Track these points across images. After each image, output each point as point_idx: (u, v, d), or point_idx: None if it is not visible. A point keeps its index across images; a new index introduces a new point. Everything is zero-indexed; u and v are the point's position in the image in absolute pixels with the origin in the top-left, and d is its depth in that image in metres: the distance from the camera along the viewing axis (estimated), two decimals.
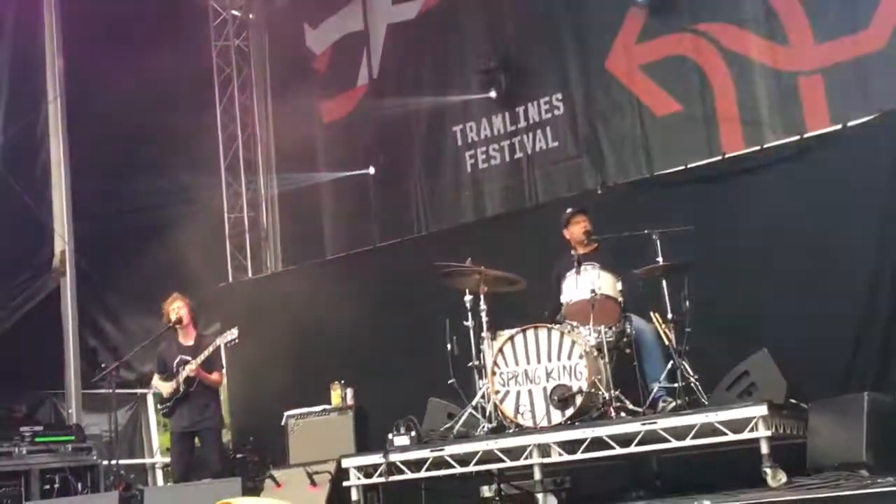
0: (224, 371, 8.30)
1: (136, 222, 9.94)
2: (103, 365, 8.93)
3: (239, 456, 9.05)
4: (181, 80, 9.82)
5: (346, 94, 10.83)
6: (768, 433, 5.54)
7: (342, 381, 8.51)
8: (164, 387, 7.93)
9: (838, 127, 7.57)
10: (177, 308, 8.02)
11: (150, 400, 11.10)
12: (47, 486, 8.11)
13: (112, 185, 9.99)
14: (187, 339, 8.06)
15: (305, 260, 10.59)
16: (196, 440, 7.98)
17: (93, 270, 9.93)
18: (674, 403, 6.34)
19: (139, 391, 10.81)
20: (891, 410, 5.28)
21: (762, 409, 5.59)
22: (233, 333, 7.89)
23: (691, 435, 5.80)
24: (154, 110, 9.75)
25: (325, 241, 10.75)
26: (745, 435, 5.61)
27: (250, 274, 11.01)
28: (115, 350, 10.01)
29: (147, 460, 10.84)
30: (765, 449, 5.53)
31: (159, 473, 10.82)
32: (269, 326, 9.20)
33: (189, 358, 7.82)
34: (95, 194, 9.92)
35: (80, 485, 8.30)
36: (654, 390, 6.57)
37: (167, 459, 10.66)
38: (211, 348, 7.81)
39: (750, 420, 5.60)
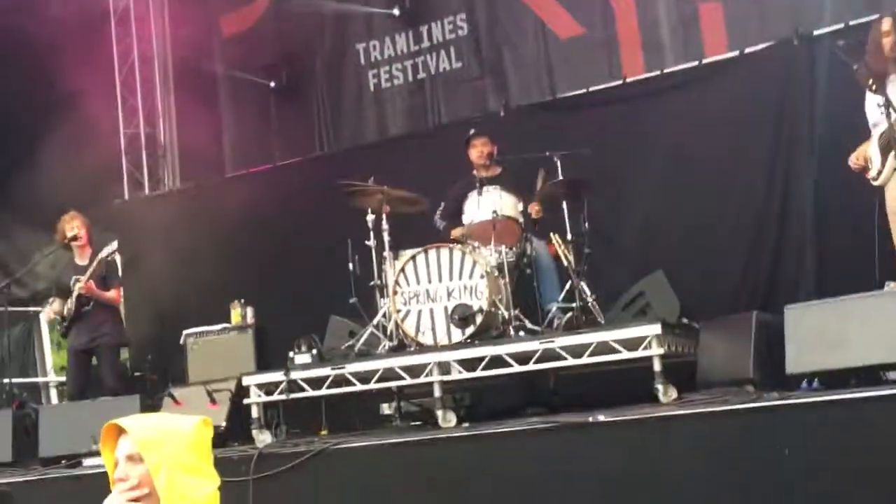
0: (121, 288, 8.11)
1: (27, 136, 9.61)
2: None
3: (137, 374, 8.95)
4: None
5: (247, 7, 10.55)
6: (661, 351, 5.71)
7: (242, 300, 8.46)
8: (57, 306, 7.80)
9: (735, 54, 7.72)
10: (75, 226, 7.82)
11: (43, 318, 10.89)
12: None
13: (3, 96, 9.63)
14: (83, 258, 7.88)
15: (204, 177, 10.40)
16: (93, 359, 7.87)
17: None
18: (566, 317, 6.50)
19: (32, 309, 10.58)
20: (776, 329, 5.48)
21: (656, 328, 5.75)
22: (112, 246, 7.73)
23: (587, 353, 5.95)
24: (48, 20, 9.36)
25: (225, 158, 10.56)
26: (639, 353, 5.78)
27: (147, 191, 10.79)
28: (6, 267, 9.75)
29: (41, 379, 10.67)
30: (657, 366, 5.71)
31: (53, 392, 10.67)
32: (168, 245, 9.06)
33: (82, 277, 7.66)
34: None
35: None
36: (552, 310, 6.72)
37: (62, 378, 10.52)
38: (94, 264, 7.64)
39: (644, 339, 5.76)
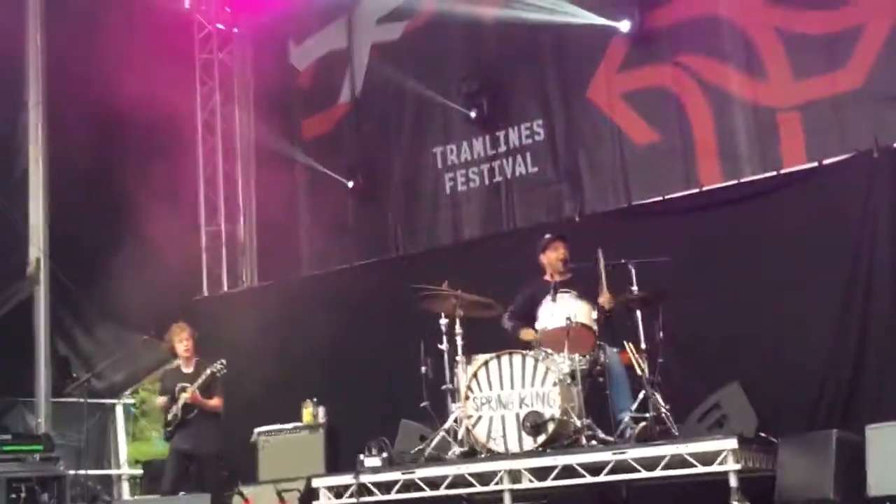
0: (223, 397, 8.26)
1: (113, 232, 9.91)
2: (74, 375, 8.89)
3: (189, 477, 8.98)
4: (164, 92, 9.80)
5: (327, 111, 10.84)
6: (737, 466, 5.59)
7: (315, 400, 8.50)
8: (163, 406, 8.08)
9: (814, 164, 7.68)
10: (184, 338, 8.17)
11: (119, 410, 11.06)
12: (13, 496, 8.04)
13: (89, 194, 9.96)
14: (188, 366, 8.17)
15: (281, 276, 10.56)
16: (192, 464, 8.00)
17: (67, 279, 9.89)
18: (639, 427, 6.38)
19: (108, 401, 10.76)
20: (857, 449, 5.34)
21: (732, 443, 5.64)
22: (222, 363, 7.97)
23: (661, 465, 5.84)
24: (135, 122, 9.73)
25: (302, 257, 10.74)
26: (715, 468, 5.66)
27: (226, 288, 10.99)
28: (87, 360, 9.95)
29: (114, 471, 10.77)
30: (733, 482, 5.58)
31: (125, 485, 10.75)
32: (244, 341, 9.17)
33: (188, 385, 7.93)
34: (72, 202, 9.89)
35: (46, 495, 8.23)
36: (625, 420, 6.62)
37: (134, 471, 10.64)
38: (203, 377, 7.91)
39: (720, 453, 5.65)
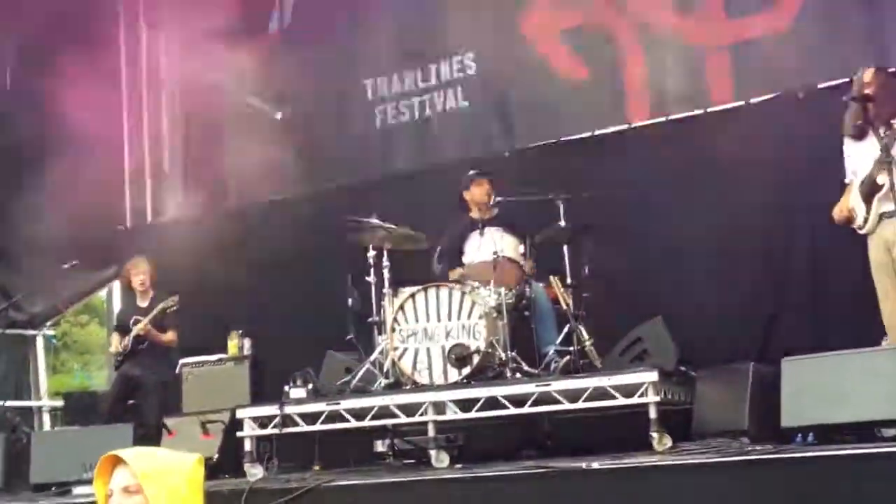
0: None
1: (33, 161, 9.65)
2: None
3: (131, 402, 8.92)
4: (86, 19, 9.50)
5: (256, 41, 10.61)
6: (657, 398, 5.70)
7: (240, 332, 8.45)
8: (115, 341, 8.19)
9: (741, 103, 7.76)
10: (141, 272, 8.27)
11: (40, 342, 10.89)
12: None
13: (4, 124, 9.69)
14: (144, 300, 8.26)
15: (207, 207, 10.41)
16: (137, 391, 8.03)
17: None
18: (563, 361, 6.49)
19: (28, 332, 10.58)
20: (773, 382, 5.46)
21: (652, 375, 5.74)
22: (174, 299, 8.07)
23: (583, 397, 5.93)
24: (55, 49, 9.44)
25: (229, 189, 10.58)
26: (635, 399, 5.76)
27: (150, 219, 10.81)
28: (3, 290, 9.75)
29: (34, 403, 10.63)
30: (653, 414, 5.69)
31: (46, 417, 10.63)
32: (167, 273, 9.04)
33: (142, 318, 8.02)
34: None
35: None
36: (550, 353, 6.70)
37: (56, 403, 10.52)
38: (155, 312, 8.01)
39: (640, 385, 5.75)
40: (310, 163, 10.00)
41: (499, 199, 7.23)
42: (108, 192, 10.21)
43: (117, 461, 2.84)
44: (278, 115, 10.21)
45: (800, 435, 5.31)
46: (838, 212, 5.85)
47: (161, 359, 8.14)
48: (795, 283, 7.20)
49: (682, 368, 6.48)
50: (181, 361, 8.41)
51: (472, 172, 7.40)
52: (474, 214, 7.30)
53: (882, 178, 5.51)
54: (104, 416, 7.96)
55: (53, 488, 7.01)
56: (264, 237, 9.06)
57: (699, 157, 7.56)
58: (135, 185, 10.88)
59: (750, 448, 5.25)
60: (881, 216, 5.64)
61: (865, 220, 5.70)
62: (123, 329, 8.16)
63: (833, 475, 4.59)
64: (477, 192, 7.33)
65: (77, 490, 6.78)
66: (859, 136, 5.72)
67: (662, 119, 8.16)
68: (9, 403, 8.92)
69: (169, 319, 8.14)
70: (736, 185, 7.35)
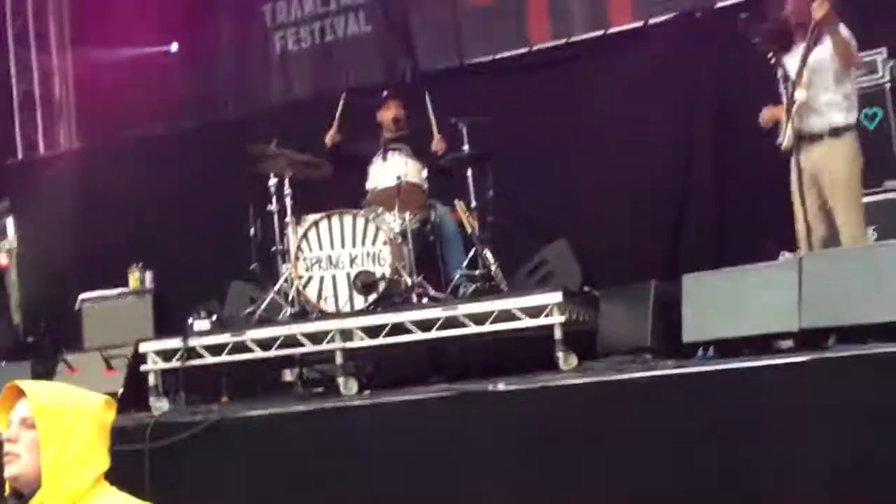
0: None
1: None
2: None
3: (30, 339, 8.70)
4: None
5: None
6: (562, 319, 5.73)
7: (140, 264, 8.27)
8: None
9: (640, 24, 7.78)
10: None
11: None
12: None
13: None
14: None
15: (103, 139, 10.10)
16: None
17: None
18: (473, 287, 6.50)
19: None
20: (675, 298, 5.54)
21: (557, 296, 5.77)
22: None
23: (490, 320, 5.95)
24: None
25: (125, 120, 10.25)
26: (541, 320, 5.80)
27: (42, 151, 10.45)
28: None
29: None
30: (558, 334, 5.72)
31: None
32: (63, 206, 8.79)
33: None
34: None
35: None
36: (456, 277, 6.71)
37: None
38: None
39: (545, 307, 5.77)
40: (209, 92, 9.77)
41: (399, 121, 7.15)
42: None
43: (21, 393, 2.80)
44: (175, 45, 9.91)
45: (701, 350, 5.40)
46: (766, 119, 5.87)
47: None
48: (698, 203, 7.30)
49: (587, 289, 6.54)
50: (80, 297, 8.22)
51: (385, 93, 7.31)
52: (388, 134, 7.21)
53: (799, 93, 5.55)
54: None
55: None
56: (163, 168, 8.82)
57: (602, 80, 7.58)
58: (25, 115, 10.46)
59: (652, 364, 5.34)
60: (800, 137, 5.66)
61: (786, 137, 5.72)
62: None
63: (732, 388, 4.69)
64: (390, 114, 7.24)
65: None
66: (787, 48, 5.71)
67: (564, 41, 8.12)
68: None
69: None
70: (639, 109, 7.39)
